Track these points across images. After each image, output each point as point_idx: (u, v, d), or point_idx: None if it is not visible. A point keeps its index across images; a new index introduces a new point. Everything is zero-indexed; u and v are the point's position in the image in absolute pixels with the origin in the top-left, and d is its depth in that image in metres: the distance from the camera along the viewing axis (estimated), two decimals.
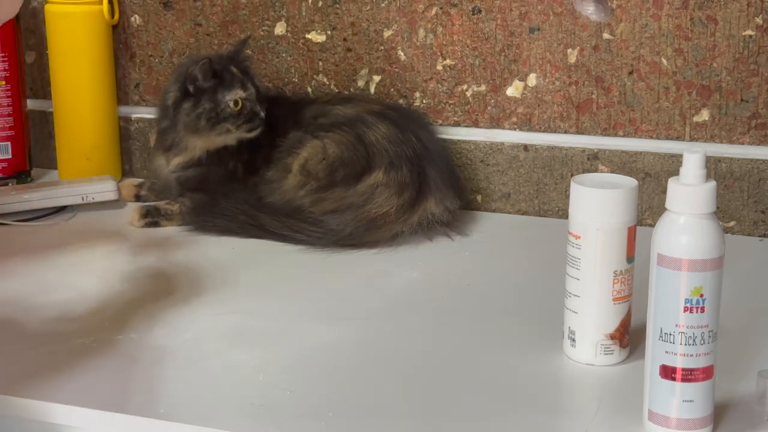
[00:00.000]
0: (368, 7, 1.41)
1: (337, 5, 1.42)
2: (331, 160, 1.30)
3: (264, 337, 1.03)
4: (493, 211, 1.41)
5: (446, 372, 0.96)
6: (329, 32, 1.44)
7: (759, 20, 1.26)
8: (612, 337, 0.95)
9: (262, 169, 1.36)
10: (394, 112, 1.36)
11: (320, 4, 1.43)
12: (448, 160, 1.37)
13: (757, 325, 1.05)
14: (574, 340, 0.96)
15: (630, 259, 0.94)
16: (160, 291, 1.14)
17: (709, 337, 0.81)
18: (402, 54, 1.41)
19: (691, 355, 0.81)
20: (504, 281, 1.18)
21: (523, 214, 1.40)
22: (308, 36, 1.45)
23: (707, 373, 0.82)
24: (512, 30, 1.36)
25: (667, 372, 0.82)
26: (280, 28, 1.46)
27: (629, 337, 0.96)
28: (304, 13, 1.44)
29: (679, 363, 0.81)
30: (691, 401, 0.82)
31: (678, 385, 0.81)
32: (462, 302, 1.12)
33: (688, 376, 0.81)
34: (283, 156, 1.34)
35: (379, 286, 1.16)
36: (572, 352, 0.96)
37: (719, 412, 0.85)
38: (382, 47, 1.42)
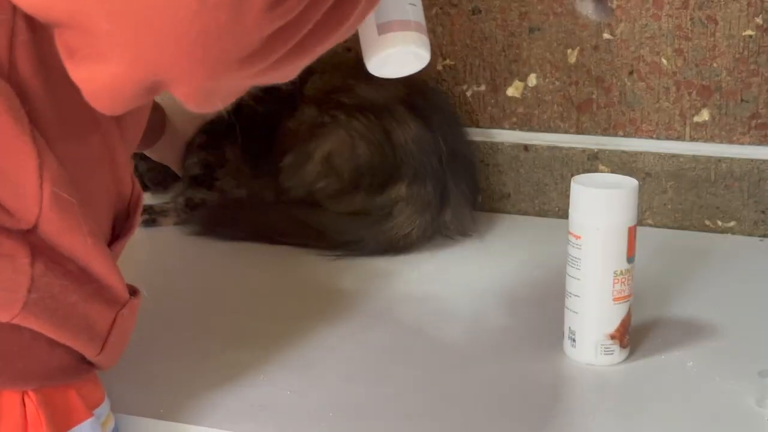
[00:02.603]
0: None
1: None
2: (359, 162, 1.24)
3: (264, 337, 1.03)
4: (493, 211, 1.41)
5: (446, 372, 0.96)
6: None
7: (759, 20, 1.26)
8: (612, 337, 0.95)
9: (276, 162, 1.29)
10: (423, 101, 1.29)
11: None
12: (473, 168, 1.33)
13: (757, 325, 1.05)
14: (574, 340, 0.96)
15: (630, 259, 0.94)
16: (158, 290, 1.14)
17: None
18: None
19: None
20: (504, 281, 1.17)
21: (523, 214, 1.40)
22: None
23: None
24: (512, 30, 1.36)
25: None
26: None
27: (629, 337, 0.96)
28: None
29: None
30: None
31: None
32: (462, 302, 1.12)
33: None
34: (300, 141, 1.28)
35: (380, 286, 1.16)
36: (572, 352, 0.96)
37: (720, 411, 0.85)
38: None
